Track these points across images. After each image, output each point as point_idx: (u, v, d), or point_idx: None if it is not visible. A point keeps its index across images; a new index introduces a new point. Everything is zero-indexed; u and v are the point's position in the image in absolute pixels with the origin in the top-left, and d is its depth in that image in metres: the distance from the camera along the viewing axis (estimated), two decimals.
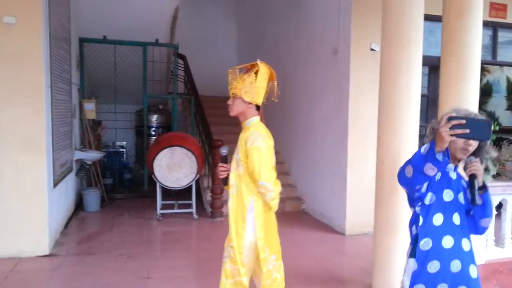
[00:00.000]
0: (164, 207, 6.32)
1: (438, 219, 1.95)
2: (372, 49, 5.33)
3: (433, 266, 1.92)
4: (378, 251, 3.61)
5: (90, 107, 6.90)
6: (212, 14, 10.32)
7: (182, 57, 8.55)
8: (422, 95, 3.82)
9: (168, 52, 8.15)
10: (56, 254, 4.58)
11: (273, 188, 2.57)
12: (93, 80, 7.53)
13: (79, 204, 6.56)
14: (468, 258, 1.94)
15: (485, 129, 1.75)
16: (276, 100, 2.83)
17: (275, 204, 2.64)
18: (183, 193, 6.75)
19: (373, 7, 5.13)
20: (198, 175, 6.18)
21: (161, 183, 6.00)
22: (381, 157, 3.56)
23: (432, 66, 5.78)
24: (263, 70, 2.68)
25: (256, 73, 2.66)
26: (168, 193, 6.72)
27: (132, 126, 9.13)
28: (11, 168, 4.32)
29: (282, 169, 7.58)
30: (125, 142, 9.01)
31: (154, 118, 8.61)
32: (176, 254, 4.75)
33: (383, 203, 3.52)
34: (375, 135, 3.72)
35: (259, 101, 2.67)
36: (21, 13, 4.23)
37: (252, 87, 2.63)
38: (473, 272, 1.94)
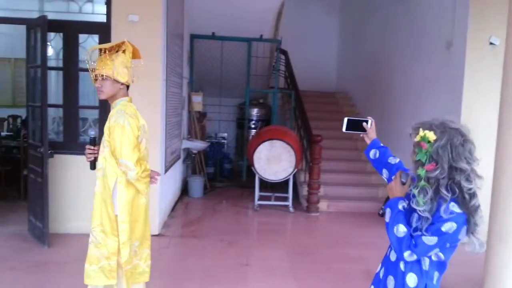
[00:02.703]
0: (261, 198, 6.49)
1: None
2: (491, 43, 4.89)
3: None
4: (491, 262, 3.34)
5: (197, 99, 7.34)
6: (316, 9, 10.27)
7: (284, 52, 8.66)
8: None
9: (271, 47, 8.31)
10: (164, 235, 4.97)
11: (134, 168, 2.42)
12: (201, 74, 7.97)
13: (184, 190, 7.03)
14: (400, 278, 1.78)
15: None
16: (133, 81, 2.65)
17: (141, 186, 2.52)
18: (279, 186, 6.88)
19: None
20: (296, 169, 6.25)
21: (260, 175, 6.18)
22: (500, 163, 3.28)
23: None
24: (130, 49, 2.54)
25: (124, 52, 2.51)
26: (265, 185, 6.90)
27: (234, 119, 9.50)
28: None
29: None
30: (226, 134, 9.41)
31: (255, 111, 8.86)
32: (273, 245, 4.87)
33: (499, 212, 3.24)
34: (491, 138, 3.44)
35: (130, 81, 2.57)
36: (144, 12, 4.63)
37: (124, 68, 2.51)
38: None
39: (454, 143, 1.62)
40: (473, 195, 1.65)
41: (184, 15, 6.31)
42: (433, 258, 1.72)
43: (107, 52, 2.46)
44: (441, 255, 1.70)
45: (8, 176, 6.13)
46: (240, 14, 6.86)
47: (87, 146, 2.61)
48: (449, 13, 5.36)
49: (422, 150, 1.65)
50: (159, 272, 4.06)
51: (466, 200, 1.63)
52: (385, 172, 2.08)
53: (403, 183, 1.76)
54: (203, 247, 4.68)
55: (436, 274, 1.76)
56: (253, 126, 8.76)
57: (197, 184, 6.84)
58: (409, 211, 1.75)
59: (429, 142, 1.64)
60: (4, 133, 6.75)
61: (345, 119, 2.15)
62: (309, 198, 6.29)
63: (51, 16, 4.33)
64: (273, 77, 8.50)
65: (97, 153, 2.58)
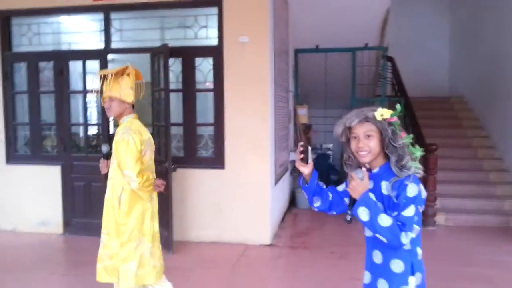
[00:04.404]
0: None
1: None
2: None
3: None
4: None
5: (303, 112, 7.44)
6: (423, 12, 9.80)
7: (390, 59, 8.39)
8: None
9: (377, 55, 8.11)
10: (275, 245, 5.10)
11: (136, 178, 2.68)
12: (305, 86, 8.08)
13: (292, 201, 7.14)
14: (378, 271, 1.86)
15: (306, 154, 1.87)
16: (140, 98, 2.99)
17: (143, 194, 2.78)
18: None
19: None
20: None
21: None
22: None
23: None
24: (133, 72, 2.84)
25: (128, 75, 2.82)
26: None
27: None
28: (243, 166, 5.01)
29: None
30: (331, 145, 9.35)
31: None
32: None
33: None
34: None
35: (134, 100, 2.89)
36: (253, 33, 4.87)
37: (130, 89, 2.82)
38: (382, 286, 1.83)
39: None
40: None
41: (289, 31, 6.49)
42: (412, 234, 1.73)
43: (113, 76, 2.78)
44: (417, 227, 1.73)
45: None
46: (344, 25, 6.83)
47: (101, 160, 2.93)
48: None
49: (396, 122, 1.77)
50: (273, 281, 4.19)
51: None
52: (316, 200, 1.97)
53: (361, 179, 1.76)
54: (314, 258, 4.70)
55: (418, 249, 1.82)
56: None
57: (304, 196, 6.89)
58: None
59: (394, 115, 1.78)
60: None
61: (309, 148, 1.89)
62: (424, 211, 5.94)
63: (171, 43, 4.78)
64: (379, 85, 8.27)
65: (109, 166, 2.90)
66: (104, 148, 2.95)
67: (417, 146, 1.81)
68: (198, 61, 5.11)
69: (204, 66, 5.14)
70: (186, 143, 5.16)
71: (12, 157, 5.59)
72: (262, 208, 5.04)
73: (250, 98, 4.95)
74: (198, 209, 5.12)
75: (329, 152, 9.13)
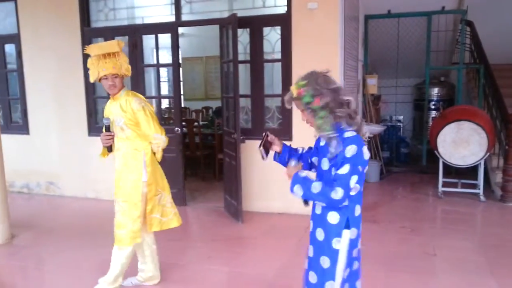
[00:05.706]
0: (445, 184, 6.02)
1: None
2: None
3: None
4: None
5: (372, 82, 7.15)
6: None
7: (469, 24, 7.75)
8: None
9: (454, 19, 7.54)
10: None
11: (165, 138, 3.04)
12: (375, 55, 7.73)
13: None
14: (317, 221, 2.04)
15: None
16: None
17: (160, 155, 3.10)
18: (465, 172, 6.27)
19: None
20: (488, 154, 5.59)
21: (445, 160, 5.73)
22: None
23: None
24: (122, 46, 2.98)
25: (121, 50, 2.96)
26: (449, 171, 6.36)
27: (411, 100, 8.96)
28: (310, 138, 4.85)
29: None
30: (402, 116, 8.95)
31: (435, 91, 8.20)
32: (463, 236, 4.49)
33: None
34: None
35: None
36: None
37: (127, 63, 2.98)
38: (319, 235, 2.02)
39: (316, 77, 1.93)
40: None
41: None
42: (352, 192, 1.88)
43: (111, 55, 2.89)
44: (357, 185, 1.89)
45: (204, 160, 7.03)
46: None
47: (105, 133, 2.99)
48: None
49: (304, 95, 1.91)
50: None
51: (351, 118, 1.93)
52: (293, 161, 2.20)
53: (294, 165, 2.07)
54: (383, 232, 4.60)
55: (357, 207, 2.00)
56: (433, 107, 8.14)
57: (373, 169, 6.73)
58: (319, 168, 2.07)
59: (303, 86, 1.91)
60: (200, 123, 7.73)
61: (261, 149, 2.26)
62: (504, 186, 5.57)
63: (239, 13, 4.74)
64: (456, 52, 7.71)
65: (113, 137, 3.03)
66: (107, 121, 3.02)
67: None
68: (266, 31, 5.03)
69: (272, 36, 5.06)
70: (254, 115, 5.18)
71: (93, 129, 5.96)
72: None
73: (319, 67, 4.76)
74: (265, 180, 5.17)
75: (399, 124, 8.76)
